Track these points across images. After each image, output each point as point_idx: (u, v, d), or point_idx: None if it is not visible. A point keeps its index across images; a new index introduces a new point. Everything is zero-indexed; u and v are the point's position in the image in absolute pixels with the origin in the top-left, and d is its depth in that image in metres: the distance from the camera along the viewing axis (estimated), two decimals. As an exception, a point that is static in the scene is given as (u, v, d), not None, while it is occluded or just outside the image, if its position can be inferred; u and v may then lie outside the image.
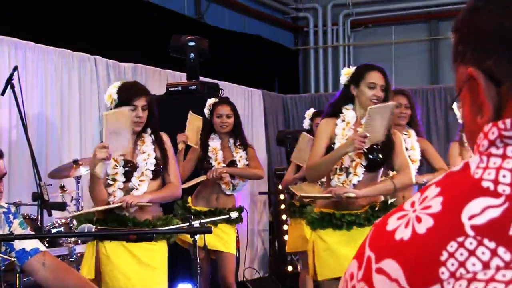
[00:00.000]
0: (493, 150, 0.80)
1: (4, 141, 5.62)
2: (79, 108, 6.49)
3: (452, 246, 0.74)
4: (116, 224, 4.03)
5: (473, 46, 0.84)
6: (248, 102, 8.73)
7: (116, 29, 7.43)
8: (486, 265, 0.72)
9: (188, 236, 3.85)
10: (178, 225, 3.71)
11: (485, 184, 0.77)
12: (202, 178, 5.32)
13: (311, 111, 6.34)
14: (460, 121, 5.33)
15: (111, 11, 7.49)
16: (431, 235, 0.76)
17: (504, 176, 0.77)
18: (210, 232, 3.27)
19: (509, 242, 0.73)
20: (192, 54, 6.70)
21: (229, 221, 4.96)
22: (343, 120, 4.06)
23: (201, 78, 6.79)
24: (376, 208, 4.06)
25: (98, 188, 4.01)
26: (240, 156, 5.37)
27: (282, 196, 7.79)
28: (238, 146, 5.41)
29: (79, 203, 5.53)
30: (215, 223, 4.80)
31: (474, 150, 0.84)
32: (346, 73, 4.13)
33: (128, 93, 4.06)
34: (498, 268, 0.72)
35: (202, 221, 3.80)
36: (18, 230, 3.17)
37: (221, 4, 9.68)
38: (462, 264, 0.73)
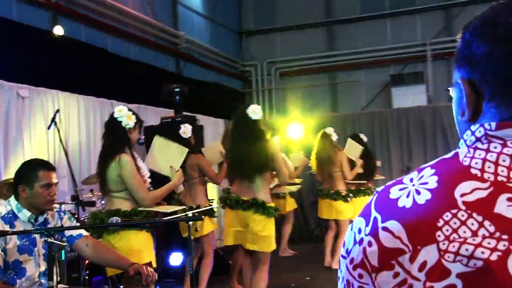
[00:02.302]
0: (478, 144, 0.71)
1: (51, 161, 5.39)
2: (101, 137, 6.29)
3: (447, 215, 0.65)
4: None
5: (466, 61, 0.73)
6: (215, 127, 8.61)
7: (126, 81, 7.22)
8: (474, 233, 0.64)
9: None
10: (178, 215, 3.50)
11: (473, 171, 0.68)
12: None
13: None
14: None
15: (122, 69, 7.30)
16: (430, 205, 0.67)
17: (489, 167, 0.68)
18: (201, 219, 3.10)
19: (493, 217, 0.64)
20: (177, 97, 6.59)
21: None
22: None
23: (184, 113, 6.69)
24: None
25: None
26: None
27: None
28: None
29: (104, 202, 5.33)
30: (202, 213, 4.65)
31: (461, 142, 0.75)
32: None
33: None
34: (484, 237, 0.63)
35: (193, 211, 3.70)
36: (67, 223, 3.01)
37: (193, 63, 9.58)
38: (455, 231, 0.65)
